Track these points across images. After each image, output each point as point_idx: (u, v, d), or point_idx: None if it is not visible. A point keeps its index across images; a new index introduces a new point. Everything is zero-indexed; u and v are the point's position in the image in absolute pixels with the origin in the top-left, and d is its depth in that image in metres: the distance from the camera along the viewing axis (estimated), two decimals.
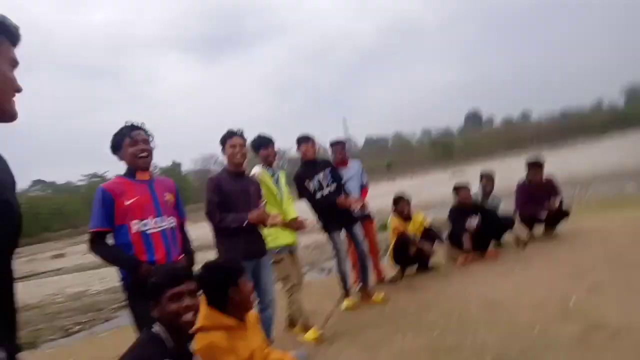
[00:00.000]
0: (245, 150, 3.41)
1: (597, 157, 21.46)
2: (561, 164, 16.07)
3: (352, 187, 4.99)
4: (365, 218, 5.10)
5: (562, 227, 5.90)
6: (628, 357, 2.49)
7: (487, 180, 6.22)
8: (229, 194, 3.27)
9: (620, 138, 34.66)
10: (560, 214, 5.81)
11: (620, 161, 16.99)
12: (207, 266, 2.28)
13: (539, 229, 5.99)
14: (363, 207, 4.58)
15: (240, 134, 3.38)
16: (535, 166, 6.06)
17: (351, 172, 5.21)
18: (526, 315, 3.32)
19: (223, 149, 3.39)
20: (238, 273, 2.27)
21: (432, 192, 16.96)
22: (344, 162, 5.22)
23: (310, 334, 3.75)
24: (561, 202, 5.79)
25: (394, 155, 73.50)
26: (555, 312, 3.27)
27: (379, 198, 8.17)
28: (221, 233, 3.29)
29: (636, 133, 34.12)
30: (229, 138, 3.36)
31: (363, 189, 5.33)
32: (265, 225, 3.32)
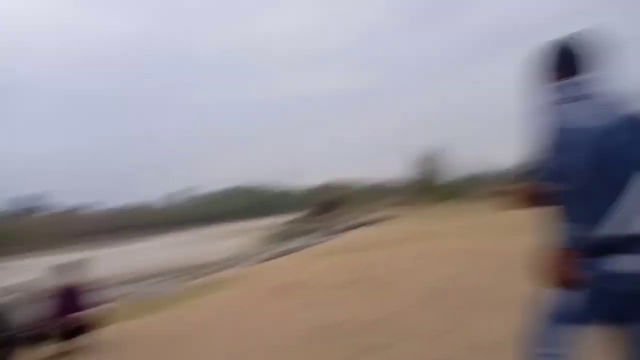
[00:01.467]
0: None
1: (150, 254, 22.64)
2: (111, 261, 15.74)
3: None
4: None
5: (98, 335, 5.12)
6: None
7: None
8: None
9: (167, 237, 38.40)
10: (83, 326, 4.99)
11: (167, 259, 18.34)
12: None
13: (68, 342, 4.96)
14: None
15: None
16: (66, 268, 5.15)
17: None
18: None
19: None
20: None
21: None
22: None
23: None
24: (86, 311, 5.02)
25: None
26: None
27: None
28: None
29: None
30: None
31: None
32: None
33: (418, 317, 4.26)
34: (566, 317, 1.47)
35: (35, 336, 4.76)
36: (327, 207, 41.58)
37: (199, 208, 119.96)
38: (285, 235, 30.10)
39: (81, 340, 4.95)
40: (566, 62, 1.50)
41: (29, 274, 5.46)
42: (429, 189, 39.99)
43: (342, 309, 4.91)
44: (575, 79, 1.46)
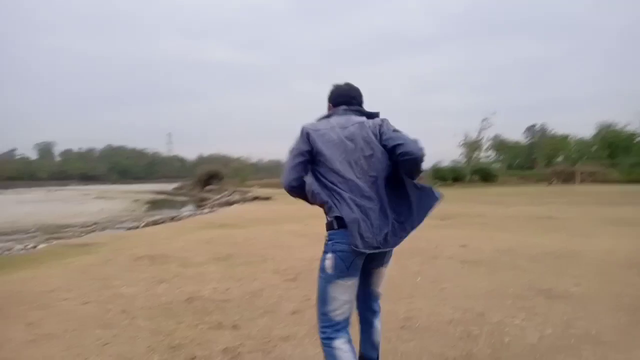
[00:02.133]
0: None
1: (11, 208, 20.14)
2: None
3: None
4: None
5: None
6: None
7: None
8: None
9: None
10: None
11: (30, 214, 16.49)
12: None
13: None
14: None
15: None
16: None
17: None
18: None
19: None
20: None
21: None
22: None
23: None
24: None
25: None
26: None
27: None
28: None
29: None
30: None
31: None
32: None
33: (277, 294, 4.44)
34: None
35: None
36: (209, 179, 40.56)
37: (71, 164, 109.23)
38: (162, 203, 28.89)
39: None
40: (339, 95, 2.32)
41: None
42: None
43: (204, 284, 4.94)
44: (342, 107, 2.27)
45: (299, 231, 9.47)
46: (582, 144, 53.84)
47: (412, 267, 5.55)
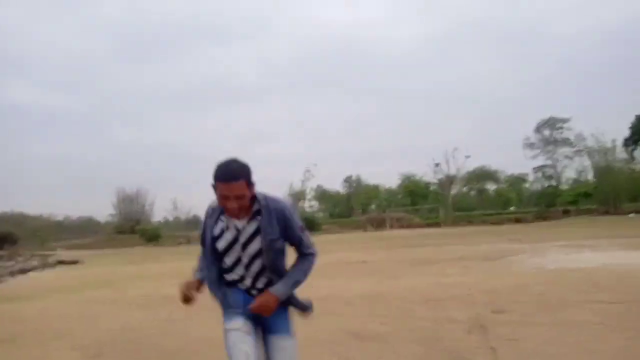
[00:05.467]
0: None
1: None
2: None
3: None
4: None
5: None
6: None
7: None
8: None
9: None
10: None
11: None
12: None
13: None
14: None
15: None
16: None
17: None
18: None
19: None
20: None
21: None
22: None
23: None
24: None
25: None
26: None
27: None
28: None
29: None
30: None
31: None
32: None
33: None
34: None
35: None
36: None
37: None
38: None
39: None
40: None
41: None
42: (131, 230, 37.98)
43: None
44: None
45: (108, 297, 8.44)
46: (390, 192, 61.39)
47: None
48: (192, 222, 43.98)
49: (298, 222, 2.14)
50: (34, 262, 20.45)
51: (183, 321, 5.69)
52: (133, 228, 38.47)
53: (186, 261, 15.90)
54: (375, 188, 63.22)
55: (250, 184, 1.99)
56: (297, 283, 2.17)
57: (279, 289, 2.09)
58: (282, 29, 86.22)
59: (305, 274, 2.21)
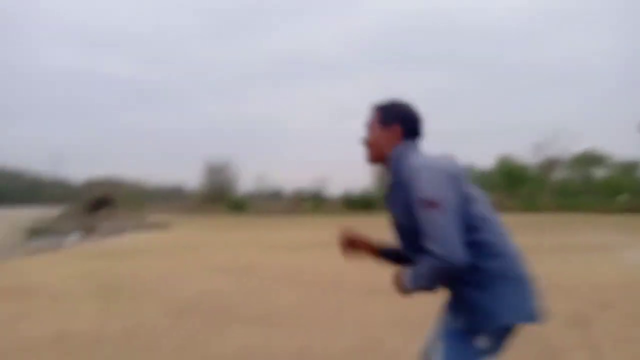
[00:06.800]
0: None
1: None
2: None
3: None
4: None
5: None
6: None
7: None
8: None
9: None
10: None
11: None
12: None
13: None
14: None
15: None
16: None
17: None
18: None
19: None
20: None
21: None
22: None
23: None
24: None
25: None
26: None
27: None
28: None
29: None
30: None
31: None
32: None
33: (157, 331, 3.95)
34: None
35: None
36: (97, 205, 36.92)
37: None
38: (42, 230, 25.60)
39: None
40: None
41: None
42: (218, 199, 39.44)
43: (77, 319, 4.34)
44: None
45: (194, 261, 8.60)
46: (484, 174, 57.80)
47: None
48: (275, 195, 44.89)
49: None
50: (129, 224, 21.86)
51: (264, 290, 5.73)
52: (220, 197, 39.96)
53: (269, 232, 16.02)
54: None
55: None
56: None
57: None
58: (371, 4, 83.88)
59: None
